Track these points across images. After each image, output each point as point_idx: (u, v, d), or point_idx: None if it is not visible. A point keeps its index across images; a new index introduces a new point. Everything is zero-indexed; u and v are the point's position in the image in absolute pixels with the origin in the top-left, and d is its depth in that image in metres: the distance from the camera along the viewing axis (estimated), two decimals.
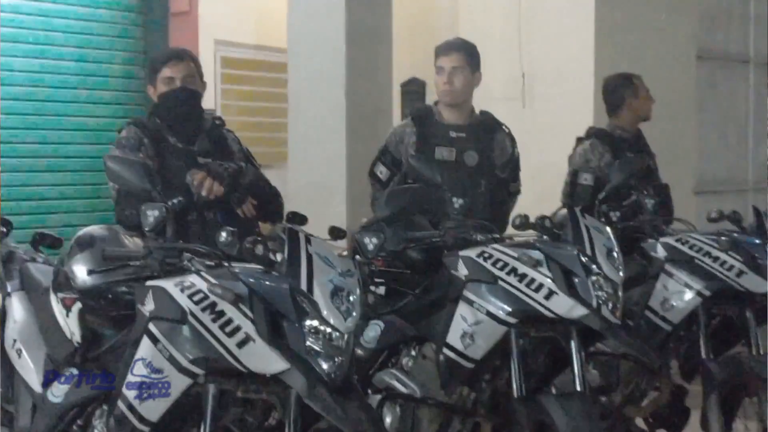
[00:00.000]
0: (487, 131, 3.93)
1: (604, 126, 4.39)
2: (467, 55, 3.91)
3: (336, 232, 3.50)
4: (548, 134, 5.66)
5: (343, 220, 4.86)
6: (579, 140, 4.32)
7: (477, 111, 4.02)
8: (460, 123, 3.91)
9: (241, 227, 3.02)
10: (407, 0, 6.73)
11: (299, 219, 3.58)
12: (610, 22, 6.32)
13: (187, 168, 3.20)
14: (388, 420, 3.12)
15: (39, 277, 3.10)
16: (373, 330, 3.30)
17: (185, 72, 3.30)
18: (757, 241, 3.74)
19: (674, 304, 3.69)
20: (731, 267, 3.65)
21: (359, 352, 3.21)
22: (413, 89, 6.82)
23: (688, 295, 3.67)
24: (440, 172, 3.37)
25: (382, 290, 3.43)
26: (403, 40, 6.05)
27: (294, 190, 5.71)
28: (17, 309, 3.08)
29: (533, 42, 6.46)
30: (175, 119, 3.30)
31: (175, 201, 2.76)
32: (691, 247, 3.74)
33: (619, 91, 4.39)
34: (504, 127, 4.00)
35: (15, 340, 3.00)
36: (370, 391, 3.21)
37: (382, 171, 3.94)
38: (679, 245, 3.77)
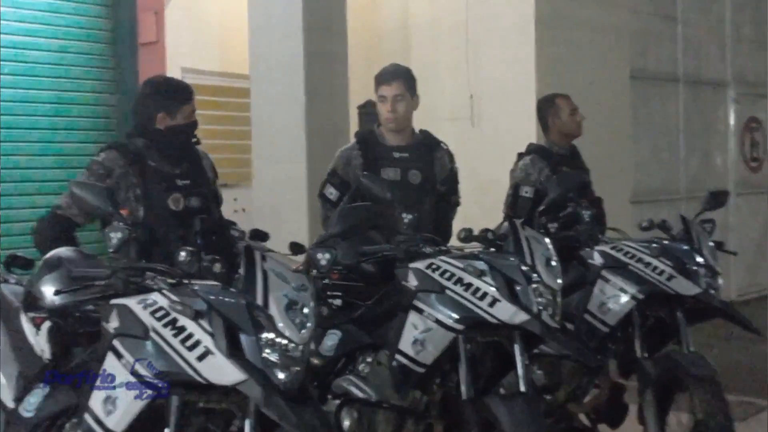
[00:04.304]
0: (428, 150, 3.93)
1: (543, 143, 4.42)
2: (406, 82, 3.89)
3: (296, 248, 3.48)
4: (494, 151, 5.70)
5: (304, 236, 4.85)
6: (520, 156, 4.35)
7: (417, 130, 4.01)
8: (403, 144, 3.90)
9: (221, 247, 2.99)
10: (361, 27, 6.76)
11: (262, 236, 3.56)
12: (549, 46, 6.39)
13: (168, 190, 3.15)
14: (346, 423, 3.10)
15: (11, 298, 3.04)
16: (331, 339, 3.29)
17: (195, 107, 3.28)
18: (685, 247, 3.79)
19: (611, 307, 3.72)
20: (662, 272, 3.69)
21: (317, 360, 3.20)
22: (369, 111, 6.79)
23: (624, 298, 3.70)
24: (390, 190, 3.37)
25: (338, 302, 3.42)
26: (358, 65, 6.06)
27: (258, 207, 5.70)
28: None
29: (480, 65, 6.51)
30: (177, 150, 3.23)
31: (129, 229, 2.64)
32: (625, 254, 3.78)
33: (542, 112, 4.42)
34: (443, 144, 4.01)
35: None
36: (329, 397, 3.20)
37: (331, 192, 3.91)
38: (614, 252, 3.81)
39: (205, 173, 3.34)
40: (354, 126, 5.94)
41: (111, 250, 2.50)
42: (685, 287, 3.67)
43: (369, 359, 3.31)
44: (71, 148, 6.12)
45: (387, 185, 3.43)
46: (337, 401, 3.13)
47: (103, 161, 3.14)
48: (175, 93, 3.26)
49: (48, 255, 2.74)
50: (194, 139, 3.33)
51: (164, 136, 3.19)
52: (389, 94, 3.85)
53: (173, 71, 6.46)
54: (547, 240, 3.33)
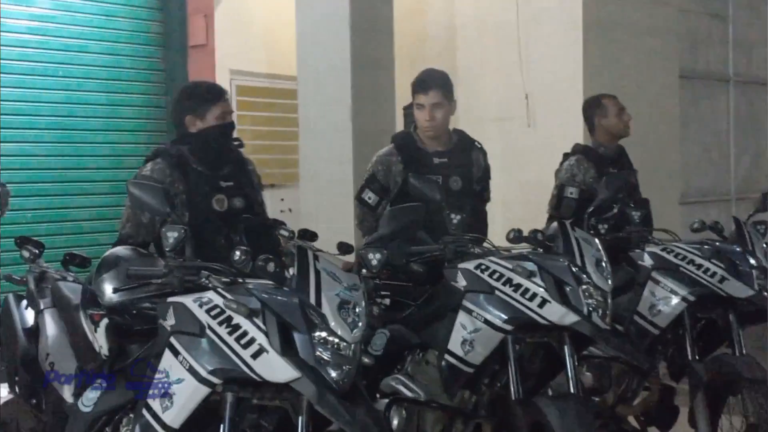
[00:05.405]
0: (465, 151, 3.93)
1: (590, 143, 4.40)
2: (444, 89, 3.87)
3: (344, 248, 3.51)
4: (544, 152, 5.68)
5: (351, 236, 4.87)
6: (566, 156, 4.34)
7: (452, 130, 3.99)
8: (441, 149, 3.89)
9: (266, 247, 3.02)
10: (407, 29, 6.77)
11: (310, 235, 3.60)
12: (597, 46, 6.34)
13: (212, 192, 3.18)
14: (395, 422, 3.12)
15: (69, 295, 3.12)
16: (380, 339, 3.30)
17: (230, 108, 3.30)
18: (738, 249, 3.73)
19: (661, 309, 3.69)
20: (714, 274, 3.65)
21: (366, 359, 3.21)
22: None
23: (674, 300, 3.67)
24: (439, 191, 3.38)
25: (387, 302, 3.43)
26: (404, 67, 6.08)
27: (305, 208, 5.74)
28: (49, 325, 3.11)
29: (530, 65, 6.48)
30: (215, 152, 3.24)
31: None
32: (676, 256, 3.75)
33: (589, 112, 4.40)
34: (476, 143, 4.00)
35: (48, 354, 3.03)
36: (378, 396, 3.22)
37: (370, 197, 3.89)
38: (664, 254, 3.77)
39: (249, 176, 3.36)
40: (399, 127, 5.96)
41: (167, 249, 2.54)
42: (737, 289, 3.62)
43: (417, 359, 3.33)
44: (122, 148, 6.25)
45: (436, 186, 3.44)
46: (386, 400, 3.15)
47: (152, 174, 3.15)
48: (201, 94, 3.27)
49: (106, 254, 2.80)
50: (237, 142, 3.35)
51: (198, 139, 3.22)
52: (427, 102, 3.83)
53: (222, 73, 6.56)
54: (597, 241, 3.32)
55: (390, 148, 3.95)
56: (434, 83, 3.88)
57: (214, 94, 3.27)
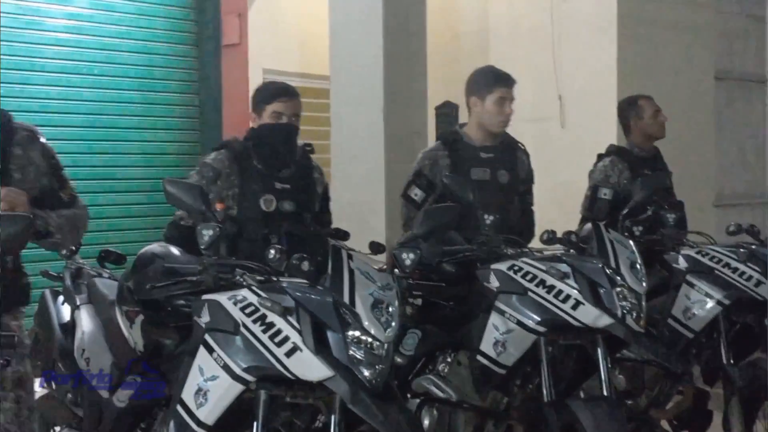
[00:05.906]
0: (510, 150, 3.93)
1: (625, 144, 4.37)
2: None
3: (376, 247, 3.52)
4: (577, 153, 5.64)
5: (382, 236, 4.87)
6: (600, 157, 4.31)
7: None
8: (488, 144, 3.89)
9: (304, 248, 3.01)
10: (440, 28, 6.76)
11: (342, 235, 3.61)
12: (631, 47, 6.29)
13: (263, 191, 3.17)
14: (426, 423, 3.13)
15: (105, 291, 3.16)
16: (412, 339, 3.31)
17: (294, 110, 3.24)
18: None
19: (696, 312, 3.66)
20: (750, 277, 3.62)
21: (398, 359, 3.22)
22: (447, 112, 6.81)
23: (709, 304, 3.64)
24: (474, 191, 3.37)
25: (419, 302, 3.44)
26: (436, 66, 6.07)
27: (337, 207, 5.72)
28: (85, 321, 3.14)
29: (564, 66, 6.44)
30: (268, 151, 3.22)
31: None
32: (711, 259, 3.71)
33: (624, 113, 4.38)
34: (520, 145, 3.99)
35: (84, 350, 3.06)
36: (409, 396, 3.22)
37: (417, 193, 3.87)
38: (699, 257, 3.74)
39: (311, 182, 3.34)
40: (432, 127, 5.95)
41: (203, 247, 2.56)
42: None
43: (449, 359, 3.33)
44: (156, 146, 6.31)
45: (469, 186, 3.43)
46: (417, 400, 3.16)
47: (212, 163, 3.19)
48: (262, 92, 3.30)
49: (142, 251, 2.83)
50: (308, 148, 3.35)
51: (253, 135, 3.25)
52: (509, 96, 3.82)
53: (255, 72, 6.60)
54: (631, 243, 3.30)
55: (437, 144, 3.96)
56: (513, 80, 3.89)
57: (270, 93, 3.27)
